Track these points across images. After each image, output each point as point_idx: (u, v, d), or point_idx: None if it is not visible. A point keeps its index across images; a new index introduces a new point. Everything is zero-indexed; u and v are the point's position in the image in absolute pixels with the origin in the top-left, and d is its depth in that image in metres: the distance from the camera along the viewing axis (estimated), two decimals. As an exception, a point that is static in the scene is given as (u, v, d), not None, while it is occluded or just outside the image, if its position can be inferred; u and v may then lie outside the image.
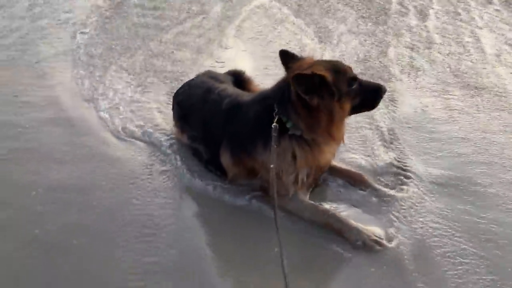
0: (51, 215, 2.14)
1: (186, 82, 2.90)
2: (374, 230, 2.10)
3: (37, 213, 2.16)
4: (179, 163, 2.56)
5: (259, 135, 2.16)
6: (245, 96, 2.46)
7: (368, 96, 2.17)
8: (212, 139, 2.44)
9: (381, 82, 2.35)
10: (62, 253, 1.93)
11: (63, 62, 3.84)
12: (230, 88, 2.62)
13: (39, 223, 2.09)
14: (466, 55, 4.00)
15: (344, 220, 2.10)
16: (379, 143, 2.77)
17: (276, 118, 2.08)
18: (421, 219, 2.15)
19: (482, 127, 2.93)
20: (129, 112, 3.11)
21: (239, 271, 1.90)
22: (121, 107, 3.17)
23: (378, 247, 2.01)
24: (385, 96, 2.27)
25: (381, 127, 2.93)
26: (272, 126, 2.05)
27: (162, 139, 2.77)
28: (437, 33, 4.45)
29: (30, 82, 3.49)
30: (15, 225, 2.09)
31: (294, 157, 2.14)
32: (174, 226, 2.12)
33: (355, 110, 2.17)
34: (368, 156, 2.64)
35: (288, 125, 2.09)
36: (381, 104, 2.30)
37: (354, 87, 2.09)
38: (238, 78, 2.90)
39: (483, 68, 3.75)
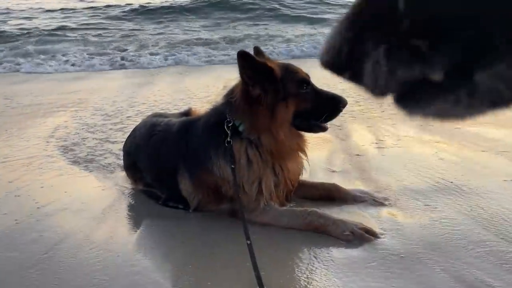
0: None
1: (133, 128, 2.71)
2: (361, 221, 1.96)
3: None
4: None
5: (214, 146, 2.03)
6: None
7: (324, 105, 2.00)
8: (166, 170, 2.24)
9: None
10: None
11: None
12: (176, 119, 2.48)
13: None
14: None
15: (326, 214, 1.96)
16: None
17: (230, 124, 1.99)
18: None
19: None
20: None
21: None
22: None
23: (368, 236, 1.85)
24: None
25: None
26: (228, 137, 1.97)
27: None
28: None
29: None
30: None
31: (250, 161, 2.00)
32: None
33: (303, 116, 2.00)
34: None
35: (241, 128, 1.99)
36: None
37: (304, 90, 1.99)
38: (188, 114, 2.70)
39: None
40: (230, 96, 2.08)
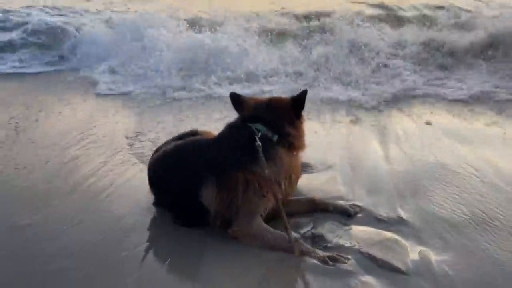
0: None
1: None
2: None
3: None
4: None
5: (254, 151, 2.38)
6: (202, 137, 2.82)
7: None
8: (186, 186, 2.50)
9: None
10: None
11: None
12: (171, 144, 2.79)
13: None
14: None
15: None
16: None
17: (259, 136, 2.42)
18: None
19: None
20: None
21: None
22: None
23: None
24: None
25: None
26: (258, 141, 2.38)
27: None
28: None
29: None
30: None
31: (282, 164, 2.47)
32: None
33: None
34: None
35: (274, 138, 2.47)
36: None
37: None
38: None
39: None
40: (266, 114, 2.55)
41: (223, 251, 2.39)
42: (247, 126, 2.50)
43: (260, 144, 2.38)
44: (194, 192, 2.46)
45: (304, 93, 2.56)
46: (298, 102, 2.57)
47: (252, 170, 2.39)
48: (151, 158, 2.90)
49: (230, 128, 2.61)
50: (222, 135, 2.62)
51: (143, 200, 2.88)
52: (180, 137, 2.94)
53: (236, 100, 2.68)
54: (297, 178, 2.65)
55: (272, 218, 2.49)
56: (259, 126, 2.49)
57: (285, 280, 2.20)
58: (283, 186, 2.45)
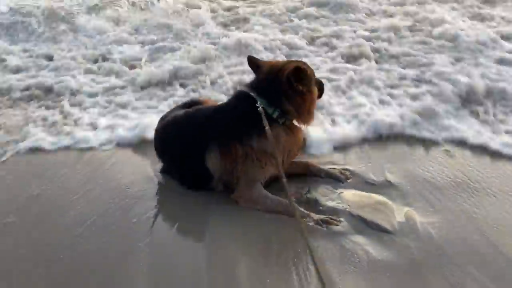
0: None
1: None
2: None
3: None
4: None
5: (253, 126, 2.49)
6: (207, 106, 2.96)
7: (320, 87, 2.78)
8: (191, 151, 2.65)
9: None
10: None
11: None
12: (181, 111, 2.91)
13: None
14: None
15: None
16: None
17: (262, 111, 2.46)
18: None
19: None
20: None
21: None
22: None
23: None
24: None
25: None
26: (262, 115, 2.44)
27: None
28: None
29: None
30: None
31: (279, 142, 2.53)
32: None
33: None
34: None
35: (274, 114, 2.51)
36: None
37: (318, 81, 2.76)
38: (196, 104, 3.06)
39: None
40: (267, 86, 2.54)
41: (227, 214, 2.59)
42: (251, 98, 2.53)
43: (267, 125, 2.43)
44: (200, 158, 2.62)
45: (296, 69, 2.47)
46: (290, 79, 2.48)
47: (250, 145, 2.52)
48: (158, 124, 3.02)
49: (236, 97, 2.69)
50: (228, 103, 2.72)
51: (147, 168, 3.06)
52: (185, 105, 3.10)
53: (252, 64, 2.71)
54: (298, 151, 2.76)
55: (273, 179, 2.67)
56: (260, 99, 2.51)
57: (284, 240, 2.39)
58: (280, 160, 2.49)
